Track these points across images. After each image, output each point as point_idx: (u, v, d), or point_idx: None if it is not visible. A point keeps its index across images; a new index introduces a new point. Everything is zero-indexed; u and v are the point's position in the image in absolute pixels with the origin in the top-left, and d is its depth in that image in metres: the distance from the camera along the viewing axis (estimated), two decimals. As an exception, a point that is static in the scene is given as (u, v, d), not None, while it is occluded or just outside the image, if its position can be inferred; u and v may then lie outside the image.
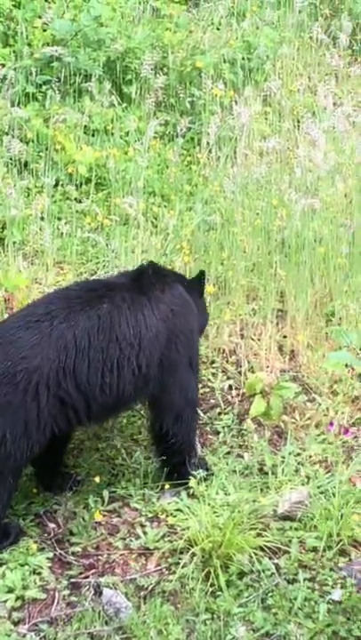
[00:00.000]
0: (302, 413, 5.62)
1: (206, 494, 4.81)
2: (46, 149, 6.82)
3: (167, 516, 4.83)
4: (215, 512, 4.72)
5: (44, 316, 4.53)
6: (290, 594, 4.39)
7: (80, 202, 6.81)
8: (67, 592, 4.43)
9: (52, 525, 4.81)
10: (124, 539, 4.74)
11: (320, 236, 6.40)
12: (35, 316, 4.55)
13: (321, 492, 4.93)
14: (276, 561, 4.58)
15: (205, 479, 4.87)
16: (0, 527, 4.60)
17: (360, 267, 6.31)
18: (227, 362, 5.94)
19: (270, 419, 5.50)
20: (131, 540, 4.72)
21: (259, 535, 4.65)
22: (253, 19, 8.84)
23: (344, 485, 4.90)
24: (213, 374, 5.85)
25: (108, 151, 6.85)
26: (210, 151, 7.15)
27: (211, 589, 4.40)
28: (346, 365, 5.61)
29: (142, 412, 5.37)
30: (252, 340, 6.00)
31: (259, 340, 5.98)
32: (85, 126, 7.17)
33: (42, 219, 6.39)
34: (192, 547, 4.55)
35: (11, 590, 4.40)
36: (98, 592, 4.41)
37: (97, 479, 4.99)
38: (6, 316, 5.51)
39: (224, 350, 5.97)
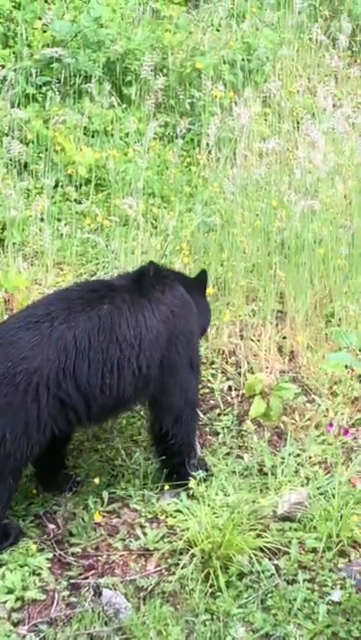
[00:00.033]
0: (302, 414, 5.62)
1: (206, 495, 4.81)
2: (46, 150, 6.82)
3: (167, 516, 4.84)
4: (215, 513, 4.72)
5: (44, 317, 4.53)
6: (289, 595, 4.39)
7: (80, 203, 6.81)
8: (66, 593, 4.43)
9: (51, 526, 4.81)
10: (124, 539, 4.74)
11: (320, 237, 6.40)
12: (35, 316, 4.55)
13: (321, 493, 4.94)
14: (275, 562, 4.58)
15: (205, 480, 4.88)
16: (0, 528, 4.60)
17: (360, 268, 6.31)
18: (226, 363, 5.94)
19: (270, 420, 5.50)
20: (130, 541, 4.72)
21: (258, 536, 4.65)
22: (253, 20, 8.85)
23: (344, 486, 4.90)
24: (213, 375, 5.85)
25: (107, 152, 6.85)
26: (209, 152, 7.15)
27: (210, 590, 4.40)
28: (345, 366, 5.63)
29: (142, 413, 5.38)
30: (252, 340, 6.00)
31: (258, 340, 5.99)
32: (85, 127, 7.18)
33: (42, 220, 6.39)
34: (192, 547, 4.55)
35: (10, 591, 4.40)
36: (97, 593, 4.41)
37: (96, 480, 4.99)
38: (6, 317, 5.51)
39: (224, 351, 5.97)
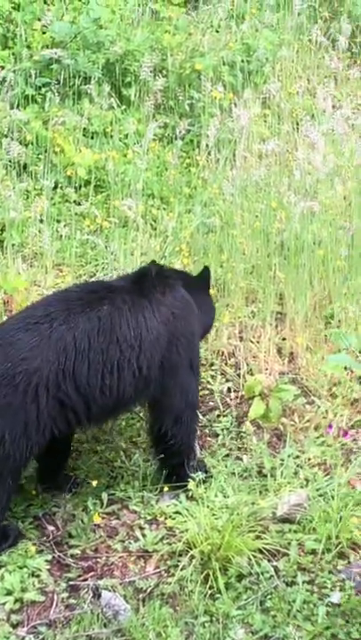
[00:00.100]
0: (301, 416, 5.62)
1: (205, 497, 4.81)
2: (45, 152, 6.82)
3: (166, 518, 4.83)
4: (214, 514, 4.71)
5: (43, 318, 4.53)
6: (289, 596, 4.38)
7: (79, 204, 6.81)
8: (65, 594, 4.42)
9: (50, 528, 4.81)
10: (123, 541, 4.74)
11: (319, 238, 6.40)
12: (34, 317, 4.55)
13: (320, 495, 4.93)
14: (275, 563, 4.58)
15: (204, 481, 4.87)
16: (-1, 529, 4.61)
17: (359, 269, 6.31)
18: (226, 364, 5.94)
19: (269, 421, 5.50)
20: (129, 543, 4.72)
21: (258, 538, 4.65)
22: (253, 21, 8.85)
23: (343, 488, 4.90)
24: (212, 377, 5.85)
25: (107, 153, 6.85)
26: (209, 153, 7.15)
27: (209, 592, 4.40)
28: (345, 368, 5.63)
29: (141, 414, 5.37)
30: (252, 342, 6.00)
31: (258, 342, 5.99)
32: (85, 129, 7.18)
33: (41, 221, 6.39)
34: (191, 549, 4.55)
35: (9, 593, 4.40)
36: (96, 594, 4.41)
37: (95, 482, 4.99)
38: (5, 318, 5.51)
39: (223, 353, 5.97)
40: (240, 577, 4.49)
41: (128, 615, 4.26)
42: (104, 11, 7.99)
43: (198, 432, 5.34)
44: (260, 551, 4.59)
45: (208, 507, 4.75)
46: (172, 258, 6.32)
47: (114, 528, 4.82)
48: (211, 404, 5.71)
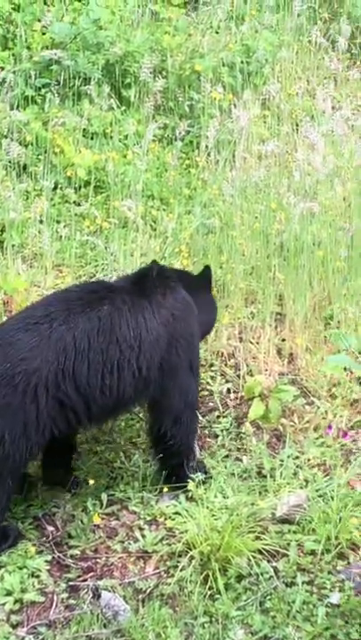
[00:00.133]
0: (301, 417, 5.62)
1: (205, 497, 4.81)
2: (45, 152, 6.82)
3: (166, 519, 4.83)
4: (214, 515, 4.71)
5: (43, 318, 4.53)
6: (288, 597, 4.38)
7: (79, 205, 6.82)
8: (65, 595, 4.42)
9: (50, 528, 4.81)
10: (123, 542, 4.74)
11: (319, 239, 6.40)
12: (34, 318, 4.55)
13: (319, 496, 4.93)
14: (274, 564, 4.58)
15: (204, 482, 4.87)
16: (-1, 530, 4.61)
17: (359, 270, 6.31)
18: (225, 365, 5.94)
19: (269, 422, 5.50)
20: (129, 543, 4.72)
21: (257, 538, 4.65)
22: (252, 22, 8.85)
23: (343, 489, 4.90)
24: (212, 377, 5.85)
25: (106, 154, 6.85)
26: (209, 154, 7.16)
27: (209, 592, 4.40)
28: (344, 369, 5.63)
29: (141, 415, 5.38)
30: (251, 343, 6.00)
31: (257, 343, 5.99)
32: (84, 129, 7.18)
33: (41, 222, 6.39)
34: (190, 550, 4.55)
35: (9, 593, 4.40)
36: (96, 595, 4.41)
37: (93, 482, 4.99)
38: (5, 318, 5.51)
39: (223, 353, 5.98)
40: (240, 577, 4.49)
41: (128, 616, 4.26)
42: (104, 12, 7.99)
43: (198, 433, 5.34)
44: (260, 552, 4.59)
45: (208, 507, 4.75)
46: (172, 259, 6.32)
47: (113, 529, 4.82)
48: (210, 404, 5.71)
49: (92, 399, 4.55)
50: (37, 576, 4.50)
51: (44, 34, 7.84)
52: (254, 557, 4.53)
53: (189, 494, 4.87)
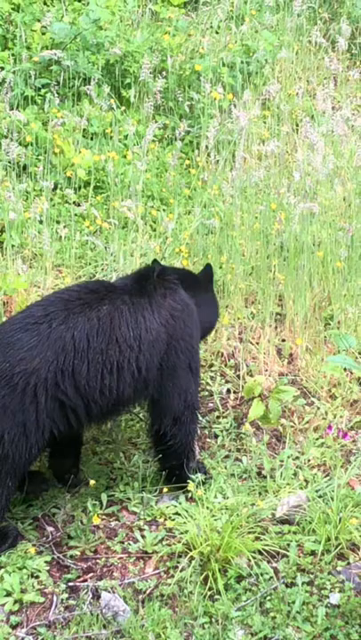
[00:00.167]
0: (301, 417, 5.62)
1: (205, 498, 4.81)
2: (45, 153, 6.82)
3: (165, 519, 4.83)
4: (214, 516, 4.72)
5: (42, 318, 4.53)
6: (288, 597, 4.39)
7: (79, 205, 6.81)
8: (65, 596, 4.42)
9: (50, 529, 4.81)
10: (123, 542, 4.74)
11: (319, 239, 6.41)
12: (33, 317, 4.55)
13: (319, 496, 4.93)
14: (274, 565, 4.58)
15: (204, 483, 4.87)
16: (-2, 530, 4.61)
17: (359, 270, 6.31)
18: (225, 365, 5.94)
19: (269, 422, 5.50)
20: (129, 544, 4.72)
21: (257, 539, 4.65)
22: (252, 22, 8.85)
23: (343, 489, 4.90)
24: (212, 378, 5.85)
25: (106, 155, 6.85)
26: (209, 155, 7.16)
27: (209, 593, 4.40)
28: (344, 369, 5.63)
29: (141, 415, 5.37)
30: (251, 343, 6.00)
31: (257, 343, 5.99)
32: (84, 130, 7.17)
33: (40, 222, 6.38)
34: (190, 550, 4.55)
35: (9, 594, 4.40)
36: (96, 596, 4.41)
37: (95, 482, 4.99)
38: (5, 319, 5.51)
39: (223, 354, 5.98)
40: (239, 578, 4.49)
41: (127, 616, 4.26)
42: (104, 12, 7.99)
43: (198, 433, 5.34)
44: (260, 552, 4.60)
45: (207, 508, 4.76)
46: (172, 259, 6.32)
47: (113, 529, 4.82)
48: (210, 405, 5.71)
49: (91, 399, 4.55)
50: (37, 577, 4.50)
51: (43, 34, 7.84)
52: (254, 558, 4.54)
53: (189, 495, 4.88)
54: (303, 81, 8.63)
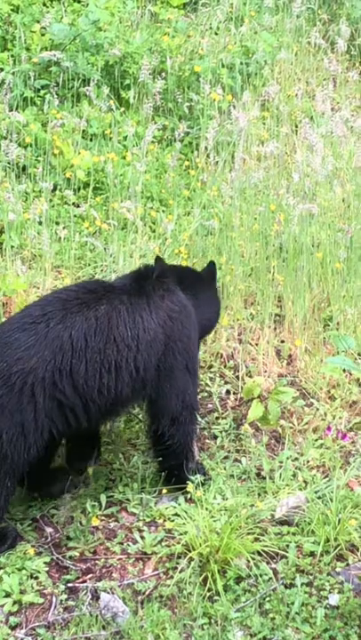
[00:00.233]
0: (300, 418, 5.62)
1: (204, 499, 4.81)
2: (44, 154, 6.82)
3: (165, 520, 4.83)
4: (213, 517, 4.72)
5: (40, 318, 4.53)
6: (287, 598, 4.39)
7: (78, 206, 6.81)
8: (64, 596, 4.42)
9: (49, 530, 4.81)
10: (122, 543, 4.74)
11: (318, 240, 6.41)
12: (31, 317, 4.55)
13: (319, 497, 4.93)
14: (273, 565, 4.58)
15: (203, 484, 4.87)
16: (-2, 531, 4.61)
17: (358, 271, 6.31)
18: (224, 366, 5.94)
19: (268, 423, 5.50)
20: (128, 545, 4.72)
21: (256, 540, 4.65)
22: (252, 24, 8.85)
23: (342, 490, 4.90)
24: (211, 379, 5.85)
25: (106, 156, 6.84)
26: (208, 156, 7.15)
27: (208, 594, 4.40)
28: (343, 370, 5.63)
29: (140, 416, 5.37)
30: (250, 344, 6.00)
31: (256, 344, 5.99)
32: (84, 131, 7.17)
33: (40, 223, 6.38)
34: (190, 551, 4.55)
35: (8, 595, 4.40)
36: (95, 597, 4.41)
37: (94, 483, 4.99)
38: (4, 320, 5.51)
39: (222, 355, 5.98)
40: (239, 579, 4.49)
41: (127, 617, 4.26)
42: (103, 13, 7.99)
43: (197, 434, 5.34)
44: (259, 553, 4.60)
45: (207, 509, 4.76)
46: (171, 260, 6.31)
47: (112, 530, 4.82)
48: (209, 406, 5.71)
49: (90, 398, 4.55)
50: (36, 577, 4.50)
51: (43, 35, 7.84)
52: (253, 559, 4.54)
53: (188, 496, 4.88)
54: (302, 82, 8.64)
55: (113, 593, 4.41)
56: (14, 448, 4.45)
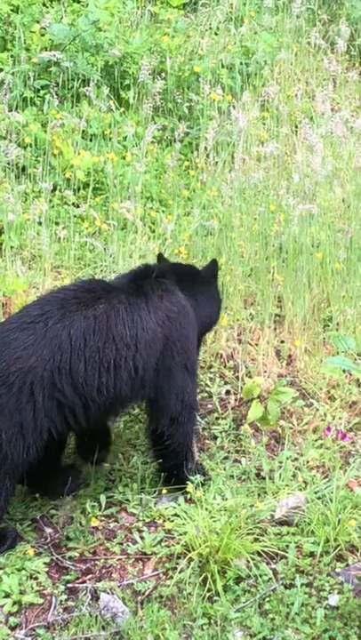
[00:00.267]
0: (300, 418, 5.62)
1: (204, 499, 4.81)
2: (44, 154, 6.82)
3: (164, 520, 4.83)
4: (212, 517, 4.72)
5: (38, 317, 4.53)
6: (287, 599, 4.39)
7: (78, 207, 6.81)
8: (64, 597, 4.42)
9: (49, 530, 4.81)
10: (122, 544, 4.74)
11: (318, 241, 6.41)
12: (29, 317, 4.55)
13: (318, 498, 4.93)
14: (273, 566, 4.58)
15: (203, 484, 4.87)
16: (-3, 532, 4.61)
17: (358, 272, 6.31)
18: (224, 367, 5.94)
19: (268, 424, 5.49)
20: (128, 545, 4.72)
21: (256, 540, 4.65)
22: (251, 24, 8.86)
23: (341, 490, 4.90)
24: (211, 379, 5.85)
25: (105, 156, 6.85)
26: (208, 156, 7.15)
27: (208, 594, 4.40)
28: (343, 370, 5.62)
29: (140, 417, 5.37)
30: (250, 345, 6.00)
31: (256, 345, 5.99)
32: (83, 131, 7.17)
33: (39, 223, 6.38)
34: (189, 552, 4.55)
35: (8, 595, 4.40)
36: (95, 597, 4.41)
37: (94, 484, 4.99)
38: (3, 320, 5.51)
39: (222, 355, 5.98)
40: (238, 579, 4.49)
41: (126, 618, 4.26)
42: (103, 13, 7.99)
43: (197, 435, 5.34)
44: (259, 554, 4.60)
45: (206, 509, 4.75)
46: (171, 260, 6.31)
47: (112, 530, 4.82)
48: (209, 406, 5.71)
49: (89, 398, 4.55)
50: (36, 578, 4.50)
51: (42, 35, 7.85)
52: (253, 559, 4.54)
53: (188, 496, 4.87)
54: (302, 82, 8.64)
55: (113, 593, 4.41)
56: (14, 448, 4.45)
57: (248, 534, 4.63)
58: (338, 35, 8.79)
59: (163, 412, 4.87)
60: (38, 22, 7.89)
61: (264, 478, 5.11)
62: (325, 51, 8.91)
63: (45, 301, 4.69)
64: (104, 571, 4.59)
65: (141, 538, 4.74)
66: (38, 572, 4.52)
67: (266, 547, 4.62)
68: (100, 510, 4.89)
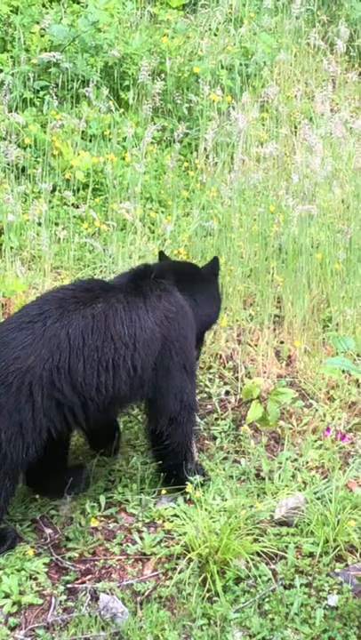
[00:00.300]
0: (299, 419, 5.62)
1: (203, 500, 4.81)
2: (44, 155, 6.82)
3: (164, 521, 4.83)
4: (212, 517, 4.72)
5: (37, 317, 4.53)
6: (286, 599, 4.39)
7: (77, 207, 6.82)
8: (63, 597, 4.42)
9: (48, 531, 4.81)
10: (121, 544, 4.74)
11: (317, 241, 6.41)
12: (28, 316, 4.55)
13: (318, 498, 4.93)
14: (272, 566, 4.58)
15: (202, 484, 4.87)
16: (-3, 532, 4.61)
17: (357, 272, 6.32)
18: (224, 367, 5.94)
19: (267, 424, 5.50)
20: (127, 546, 4.72)
21: (255, 540, 4.65)
22: (251, 25, 8.87)
23: (341, 491, 4.90)
24: (210, 380, 5.85)
25: (105, 157, 6.85)
26: (207, 157, 7.16)
27: (207, 595, 4.40)
28: (343, 371, 5.63)
29: (139, 417, 5.37)
30: (250, 345, 6.00)
31: (256, 345, 5.99)
32: (83, 132, 7.18)
33: (39, 224, 6.39)
34: (189, 552, 4.55)
35: (7, 596, 4.40)
36: (94, 597, 4.40)
37: (93, 484, 4.99)
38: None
39: (221, 356, 5.98)
40: (238, 580, 4.49)
41: (126, 618, 4.25)
42: (102, 14, 8.00)
43: (196, 435, 5.34)
44: (258, 554, 4.60)
45: (206, 510, 4.76)
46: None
47: (112, 531, 4.82)
48: (209, 407, 5.71)
49: (88, 397, 4.55)
50: (35, 578, 4.50)
51: (42, 36, 7.86)
52: (252, 560, 4.53)
53: (188, 496, 4.87)
54: (302, 83, 8.64)
55: (112, 594, 4.41)
56: (13, 448, 4.45)
57: (247, 535, 4.63)
58: (337, 36, 8.79)
59: (162, 413, 4.87)
60: (38, 23, 7.90)
61: (263, 479, 5.11)
62: (325, 51, 8.92)
63: (44, 301, 4.69)
64: (104, 571, 4.59)
65: (141, 538, 4.75)
66: (38, 573, 4.52)
67: (265, 547, 4.62)
68: (99, 511, 4.89)
